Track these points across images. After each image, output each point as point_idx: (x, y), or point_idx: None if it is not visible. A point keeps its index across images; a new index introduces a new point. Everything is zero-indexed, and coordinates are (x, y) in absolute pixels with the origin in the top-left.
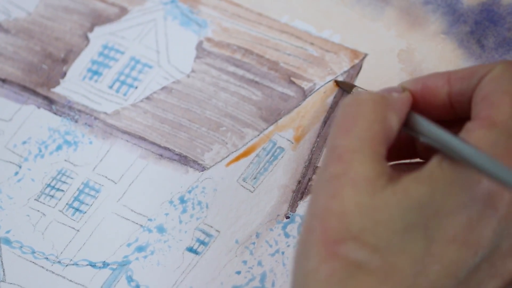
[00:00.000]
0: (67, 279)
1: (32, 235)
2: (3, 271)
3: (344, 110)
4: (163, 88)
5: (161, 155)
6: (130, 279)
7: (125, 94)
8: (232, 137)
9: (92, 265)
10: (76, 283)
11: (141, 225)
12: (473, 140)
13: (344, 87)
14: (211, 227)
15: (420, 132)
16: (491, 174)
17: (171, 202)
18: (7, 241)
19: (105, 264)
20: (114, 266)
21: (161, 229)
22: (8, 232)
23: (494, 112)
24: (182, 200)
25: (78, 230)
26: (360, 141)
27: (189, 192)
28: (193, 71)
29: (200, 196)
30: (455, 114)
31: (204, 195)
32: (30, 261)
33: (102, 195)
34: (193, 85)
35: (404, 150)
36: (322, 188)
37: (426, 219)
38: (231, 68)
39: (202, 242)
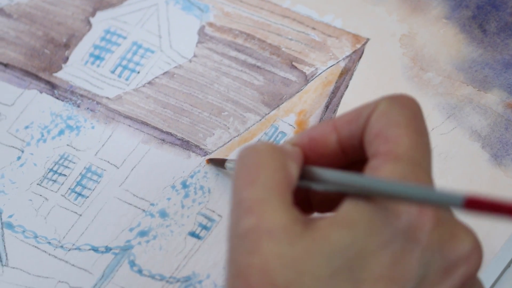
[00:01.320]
0: (70, 263)
1: (35, 219)
2: (6, 256)
3: (243, 162)
4: (165, 73)
5: (163, 140)
6: (132, 263)
7: (127, 79)
8: (234, 122)
9: (95, 249)
10: (78, 267)
11: (143, 210)
12: (382, 176)
13: (216, 164)
14: (213, 211)
15: (322, 181)
16: (413, 198)
17: (173, 187)
18: (10, 226)
19: (107, 249)
20: (117, 251)
21: (163, 214)
22: (10, 216)
23: (393, 146)
24: (184, 185)
25: (80, 215)
26: (267, 190)
27: (191, 177)
28: (195, 56)
29: (202, 181)
30: (346, 160)
31: (206, 180)
32: (33, 245)
33: (104, 180)
34: (195, 70)
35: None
36: (238, 244)
37: (350, 262)
38: (233, 53)
39: (204, 227)
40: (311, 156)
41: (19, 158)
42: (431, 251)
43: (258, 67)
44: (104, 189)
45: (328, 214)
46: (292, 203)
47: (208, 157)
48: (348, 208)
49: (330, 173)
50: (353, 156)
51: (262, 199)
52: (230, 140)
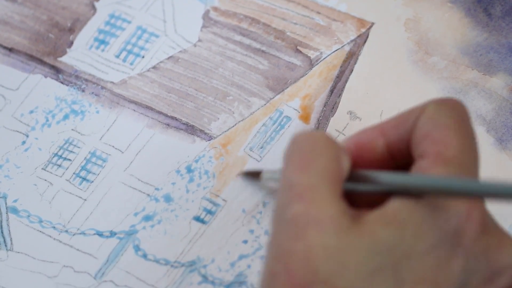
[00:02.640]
0: (74, 248)
1: (39, 204)
2: (11, 240)
3: (299, 146)
4: (170, 58)
5: (168, 125)
6: (137, 248)
7: (131, 64)
8: (239, 106)
9: (99, 234)
10: (83, 252)
11: (148, 195)
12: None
13: (252, 176)
14: (218, 196)
15: (371, 181)
16: (467, 191)
17: (178, 171)
18: (15, 210)
19: (112, 233)
20: (121, 235)
21: (168, 199)
22: (15, 201)
23: (442, 148)
24: (189, 170)
25: (85, 200)
26: (319, 178)
27: (196, 161)
28: (199, 40)
29: (207, 165)
30: (393, 164)
31: (211, 165)
32: (38, 230)
33: (109, 164)
34: (200, 55)
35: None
36: (284, 228)
37: (394, 261)
38: (238, 37)
39: (209, 212)
40: (358, 161)
41: (23, 142)
42: (476, 257)
43: (262, 51)
44: (109, 174)
45: (375, 210)
46: (342, 195)
47: (241, 170)
48: (397, 206)
49: (379, 174)
50: (400, 160)
51: (313, 186)
52: (235, 124)
